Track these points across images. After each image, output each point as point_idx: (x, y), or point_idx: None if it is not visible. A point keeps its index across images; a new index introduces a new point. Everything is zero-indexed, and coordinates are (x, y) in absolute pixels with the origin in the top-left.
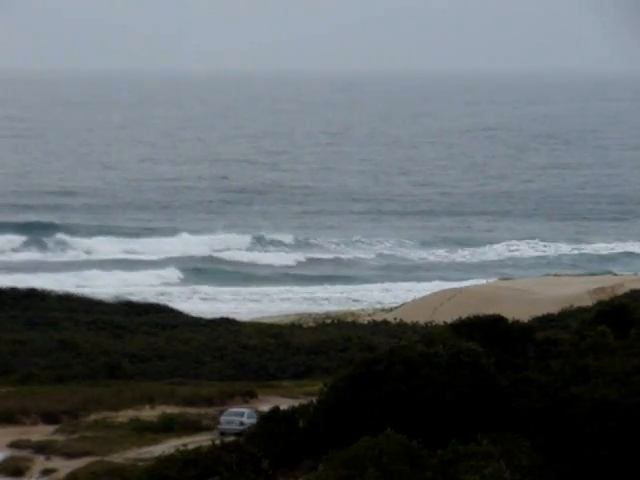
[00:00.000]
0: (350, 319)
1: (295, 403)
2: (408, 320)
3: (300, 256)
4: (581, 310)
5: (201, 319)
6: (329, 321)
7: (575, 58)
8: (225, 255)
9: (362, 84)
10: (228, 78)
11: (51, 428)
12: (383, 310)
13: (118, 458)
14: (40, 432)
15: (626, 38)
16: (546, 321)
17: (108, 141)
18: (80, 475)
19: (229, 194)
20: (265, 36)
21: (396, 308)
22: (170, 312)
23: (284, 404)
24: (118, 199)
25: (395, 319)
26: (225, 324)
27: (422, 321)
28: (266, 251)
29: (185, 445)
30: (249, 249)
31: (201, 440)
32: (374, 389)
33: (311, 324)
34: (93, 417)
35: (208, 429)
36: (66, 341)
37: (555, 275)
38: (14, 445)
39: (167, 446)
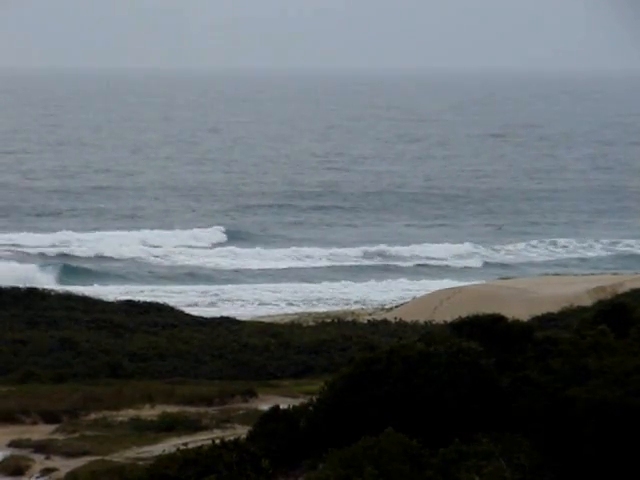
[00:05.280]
0: (350, 318)
1: (295, 402)
2: (408, 319)
3: None
4: (581, 309)
5: (201, 318)
6: (329, 320)
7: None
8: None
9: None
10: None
11: (51, 427)
12: (383, 309)
13: (118, 457)
14: (40, 431)
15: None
16: (546, 320)
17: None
18: (80, 474)
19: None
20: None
21: (396, 307)
22: (170, 311)
23: (284, 403)
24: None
25: (395, 318)
26: (225, 323)
27: (422, 320)
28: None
29: (185, 444)
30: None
31: (202, 439)
32: (374, 388)
33: (311, 323)
34: (93, 416)
35: (208, 428)
36: (66, 340)
37: (555, 274)
38: (14, 444)
39: (167, 445)
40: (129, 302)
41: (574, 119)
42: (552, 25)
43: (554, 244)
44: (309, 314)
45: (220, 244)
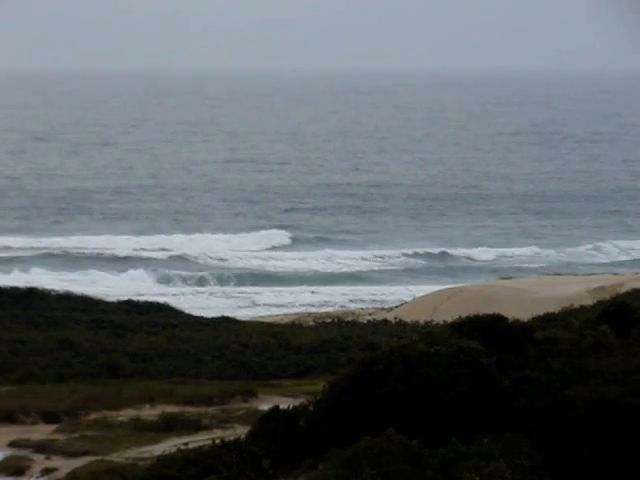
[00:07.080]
0: (350, 318)
1: (295, 402)
2: (408, 319)
3: None
4: (582, 309)
5: (202, 318)
6: (329, 320)
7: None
8: None
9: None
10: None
11: (51, 427)
12: (383, 309)
13: (118, 457)
14: (40, 431)
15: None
16: (546, 320)
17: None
18: (80, 474)
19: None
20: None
21: (396, 307)
22: (170, 311)
23: (284, 403)
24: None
25: (395, 318)
26: (225, 323)
27: (422, 320)
28: None
29: (186, 444)
30: None
31: (202, 439)
32: (374, 388)
33: (311, 323)
34: (93, 416)
35: (208, 428)
36: (66, 340)
37: (556, 274)
38: (14, 444)
39: (167, 445)
40: (129, 302)
41: (590, 119)
42: (554, 25)
43: (616, 246)
44: (309, 314)
45: (284, 247)
